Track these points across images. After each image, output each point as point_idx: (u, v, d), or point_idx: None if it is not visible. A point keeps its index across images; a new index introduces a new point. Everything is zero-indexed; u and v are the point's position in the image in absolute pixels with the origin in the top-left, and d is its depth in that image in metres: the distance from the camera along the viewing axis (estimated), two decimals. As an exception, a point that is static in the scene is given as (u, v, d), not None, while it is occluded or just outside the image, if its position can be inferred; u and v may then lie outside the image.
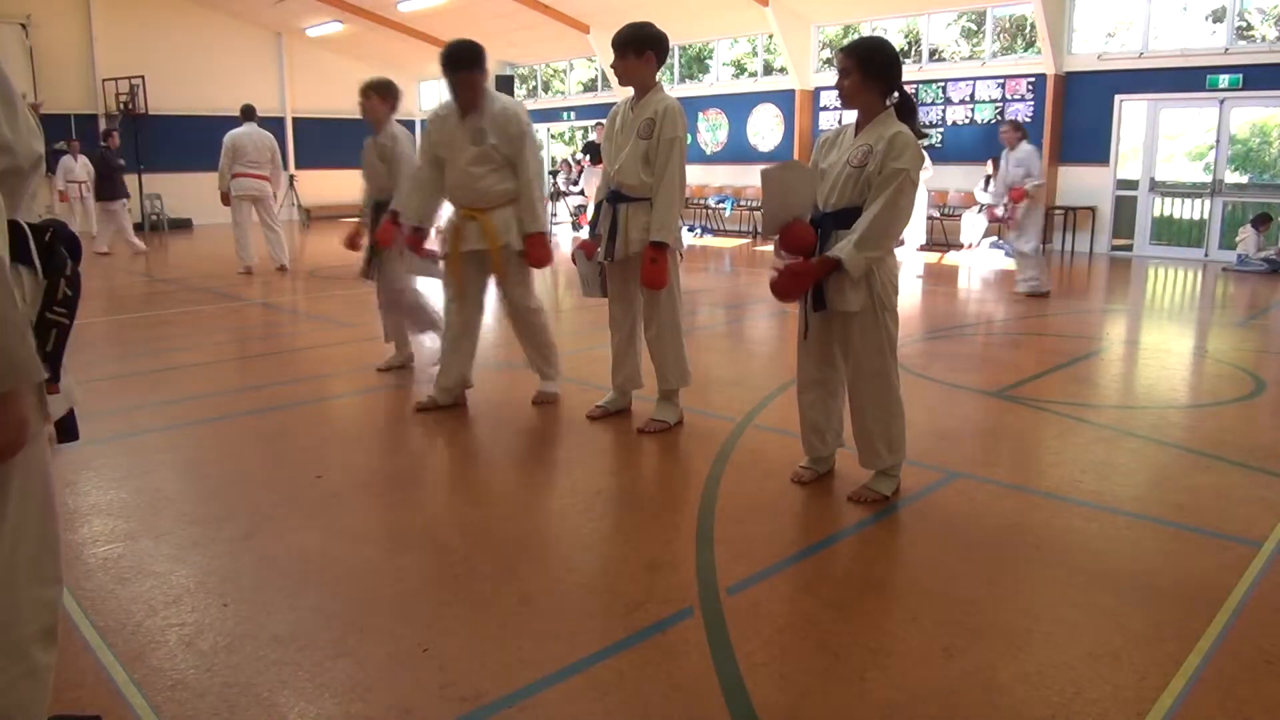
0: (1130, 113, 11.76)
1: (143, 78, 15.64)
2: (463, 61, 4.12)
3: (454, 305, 4.52)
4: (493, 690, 2.13)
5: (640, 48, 3.91)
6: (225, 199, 9.84)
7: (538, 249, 4.29)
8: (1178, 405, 4.75)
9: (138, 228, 16.35)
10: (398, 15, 16.89)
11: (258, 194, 9.89)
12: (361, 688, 2.14)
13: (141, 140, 15.75)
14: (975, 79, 12.88)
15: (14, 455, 1.48)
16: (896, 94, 3.14)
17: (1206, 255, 11.34)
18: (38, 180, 1.67)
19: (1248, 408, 4.67)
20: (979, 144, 12.77)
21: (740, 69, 16.57)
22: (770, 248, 3.42)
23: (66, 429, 1.69)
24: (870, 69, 3.07)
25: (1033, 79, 12.27)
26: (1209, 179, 11.36)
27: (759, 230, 14.81)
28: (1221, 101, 10.97)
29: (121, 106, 15.93)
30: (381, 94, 4.97)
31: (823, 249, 3.12)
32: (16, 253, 1.55)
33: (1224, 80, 10.79)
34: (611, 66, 3.98)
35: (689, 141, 4.05)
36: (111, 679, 2.17)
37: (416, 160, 4.65)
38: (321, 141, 19.07)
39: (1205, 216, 11.45)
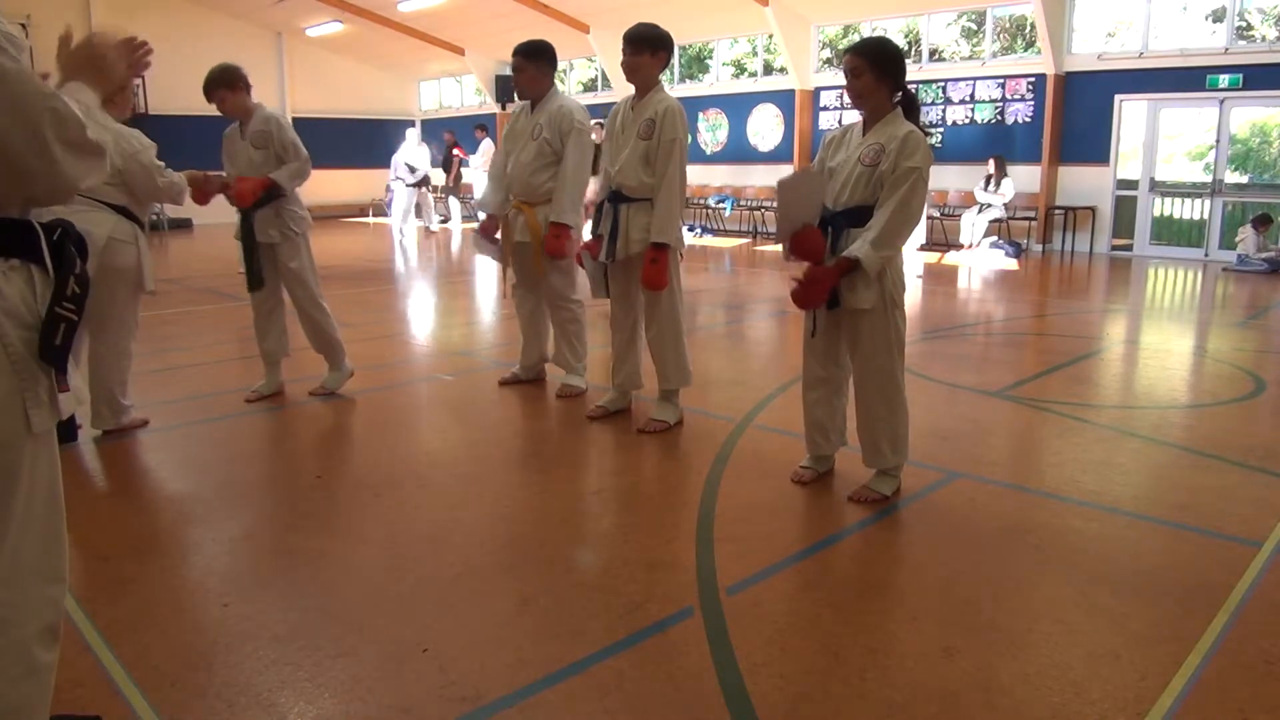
0: (1130, 113, 11.75)
1: (143, 78, 15.62)
2: (529, 52, 4.49)
3: (518, 293, 4.92)
4: (493, 690, 2.13)
5: (655, 47, 3.97)
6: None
7: (552, 239, 4.41)
8: (1178, 405, 4.75)
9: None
10: (398, 15, 16.89)
11: None
12: (361, 688, 2.14)
13: (142, 140, 15.75)
14: (975, 79, 12.88)
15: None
16: (900, 93, 3.16)
17: (1206, 255, 11.34)
18: None
19: (1248, 408, 4.67)
20: (979, 144, 12.77)
21: (740, 69, 16.57)
22: (778, 248, 3.41)
23: (64, 430, 1.70)
24: (882, 68, 3.08)
25: (1033, 79, 12.27)
26: (1209, 179, 11.35)
27: (759, 230, 14.81)
28: (1221, 101, 10.96)
29: (121, 106, 15.92)
30: (229, 85, 4.39)
31: (834, 247, 3.13)
32: (28, 251, 1.56)
33: (1224, 80, 10.79)
34: (622, 63, 3.99)
35: (689, 141, 4.06)
36: (111, 679, 2.18)
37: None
38: (321, 141, 19.02)
39: (1205, 216, 11.44)
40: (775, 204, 3.15)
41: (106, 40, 1.78)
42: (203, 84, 4.38)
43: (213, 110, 4.46)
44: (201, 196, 4.52)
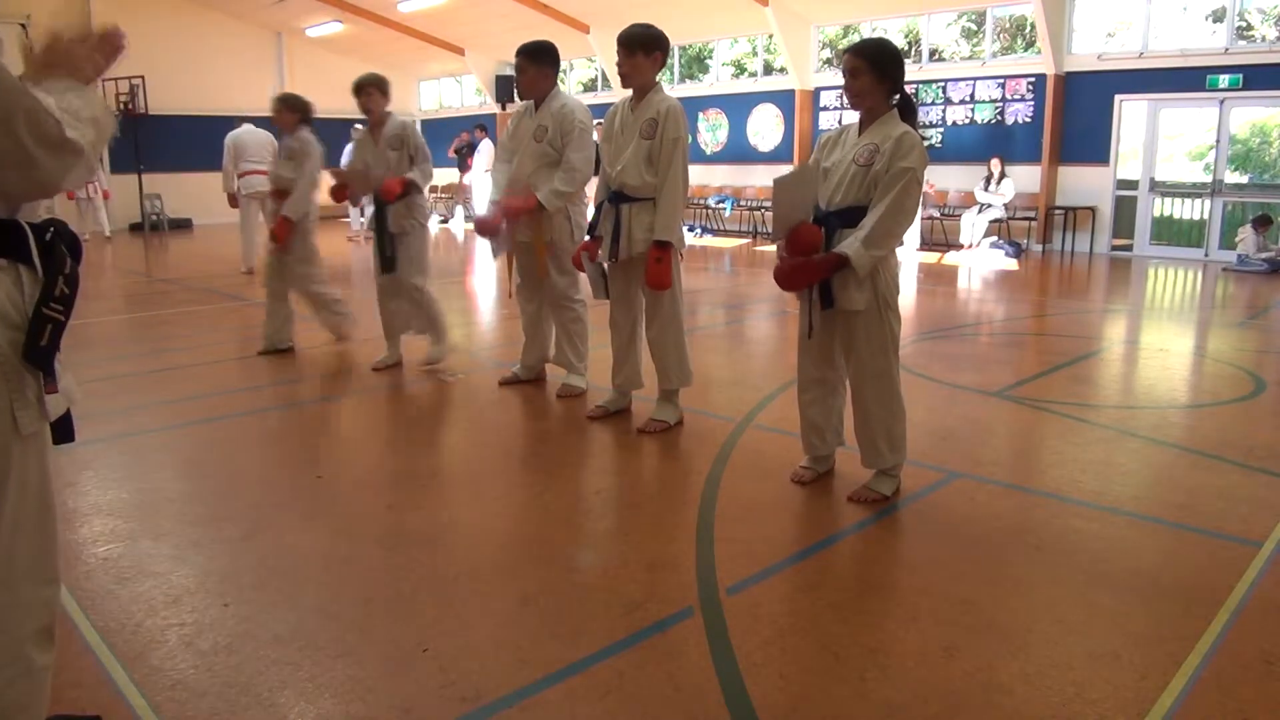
0: (1130, 113, 11.75)
1: (142, 78, 15.63)
2: (531, 52, 4.48)
3: (522, 293, 4.90)
4: (493, 690, 2.13)
5: (651, 48, 3.96)
6: (232, 200, 9.86)
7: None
8: (1178, 405, 4.75)
9: (137, 227, 16.42)
10: (398, 15, 16.89)
11: (266, 191, 9.91)
12: (361, 688, 2.14)
13: (141, 140, 15.78)
14: (975, 79, 12.88)
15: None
16: (898, 94, 3.16)
17: (1206, 255, 11.34)
18: None
19: (1248, 408, 4.67)
20: (979, 144, 12.77)
21: (740, 69, 16.57)
22: (774, 248, 3.39)
23: (62, 430, 1.69)
24: (881, 69, 3.08)
25: (1033, 79, 12.26)
26: (1209, 179, 11.35)
27: (759, 230, 14.81)
28: (1221, 101, 10.96)
29: (121, 106, 15.93)
30: (380, 88, 5.12)
31: (828, 248, 3.13)
32: (17, 251, 1.55)
33: (1224, 80, 10.79)
34: (619, 65, 3.98)
35: (689, 141, 4.06)
36: (111, 679, 2.17)
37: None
38: (322, 141, 19.05)
39: (1205, 216, 11.44)
40: (771, 202, 3.15)
41: (72, 38, 1.72)
42: (356, 82, 5.09)
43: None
44: (340, 193, 5.40)
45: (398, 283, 5.27)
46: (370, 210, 5.37)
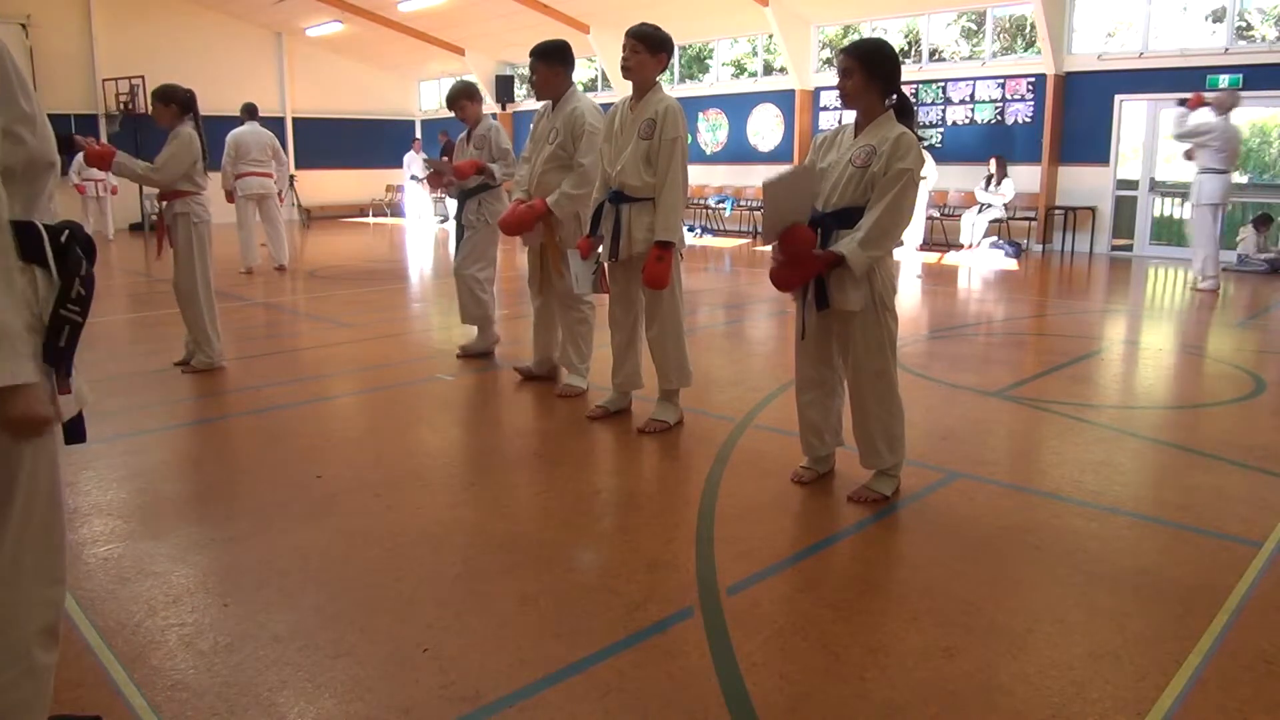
0: (1130, 113, 11.75)
1: (143, 78, 15.63)
2: (540, 52, 4.54)
3: (533, 291, 4.96)
4: (493, 690, 2.13)
5: (658, 49, 3.97)
6: (229, 197, 9.90)
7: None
8: (1178, 405, 4.75)
9: (137, 228, 16.42)
10: (398, 15, 16.89)
11: (264, 192, 9.97)
12: (361, 688, 2.14)
13: (141, 140, 15.76)
14: (975, 79, 12.87)
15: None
16: (895, 95, 3.15)
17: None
18: (54, 183, 1.70)
19: (1248, 408, 4.66)
20: (979, 144, 12.77)
21: (740, 69, 16.57)
22: (769, 248, 3.38)
23: (73, 431, 1.70)
24: (872, 69, 3.08)
25: (1033, 79, 12.26)
26: (1209, 179, 11.33)
27: (759, 230, 14.81)
28: (1221, 102, 10.95)
29: (121, 106, 15.93)
30: (470, 97, 5.62)
31: (824, 248, 3.12)
32: (32, 253, 1.56)
33: (1224, 80, 10.77)
34: (624, 58, 3.96)
35: (689, 141, 4.06)
36: (111, 679, 2.18)
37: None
38: (322, 141, 19.10)
39: (1205, 216, 11.42)
40: (762, 204, 3.14)
41: None
42: (447, 95, 5.60)
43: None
44: (435, 180, 5.81)
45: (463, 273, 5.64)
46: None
